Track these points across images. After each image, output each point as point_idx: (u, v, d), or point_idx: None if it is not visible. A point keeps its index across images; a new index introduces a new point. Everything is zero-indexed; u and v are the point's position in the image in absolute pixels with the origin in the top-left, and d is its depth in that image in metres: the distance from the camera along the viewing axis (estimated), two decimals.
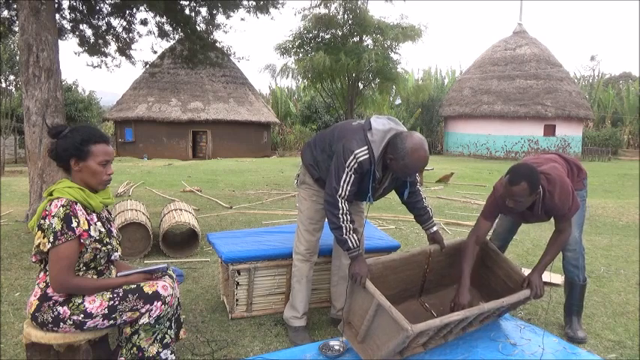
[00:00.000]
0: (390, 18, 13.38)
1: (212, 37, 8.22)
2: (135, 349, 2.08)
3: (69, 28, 7.48)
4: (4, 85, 18.35)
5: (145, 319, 2.06)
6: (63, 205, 1.95)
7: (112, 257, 2.17)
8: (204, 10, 7.72)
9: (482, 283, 3.04)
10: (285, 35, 13.41)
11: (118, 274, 2.19)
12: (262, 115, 23.86)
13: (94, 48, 7.75)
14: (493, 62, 25.14)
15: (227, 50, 8.64)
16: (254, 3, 7.42)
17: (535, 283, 2.65)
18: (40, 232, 1.96)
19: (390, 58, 12.85)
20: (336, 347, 2.59)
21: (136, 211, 4.78)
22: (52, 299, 2.00)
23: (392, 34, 12.43)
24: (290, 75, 13.66)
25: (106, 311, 2.01)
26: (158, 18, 7.67)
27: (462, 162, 20.27)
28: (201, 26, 7.96)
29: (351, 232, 2.50)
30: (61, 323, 1.99)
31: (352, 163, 2.44)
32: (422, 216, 2.84)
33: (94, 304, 2.01)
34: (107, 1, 7.49)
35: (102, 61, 8.08)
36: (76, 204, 2.00)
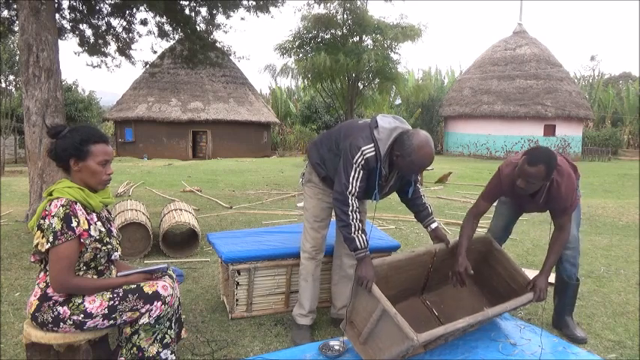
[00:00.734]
0: (390, 18, 13.37)
1: (212, 37, 8.22)
2: (135, 349, 2.08)
3: (69, 28, 7.48)
4: (4, 85, 18.35)
5: (145, 319, 2.06)
6: (63, 205, 1.95)
7: (112, 257, 2.17)
8: (204, 10, 7.73)
9: (485, 281, 3.04)
10: (285, 35, 13.40)
11: (118, 274, 2.19)
12: (262, 115, 23.86)
13: (94, 48, 7.75)
14: (493, 62, 25.15)
15: (227, 50, 8.65)
16: (254, 2, 7.42)
17: (540, 286, 2.65)
18: (39, 232, 1.96)
19: (390, 58, 12.84)
20: (336, 347, 2.59)
21: (136, 211, 4.78)
22: (52, 299, 2.00)
23: (391, 34, 12.42)
24: (290, 75, 13.66)
25: (106, 311, 2.01)
26: (158, 18, 7.67)
27: (462, 162, 20.27)
28: (201, 26, 7.96)
29: (360, 231, 2.49)
30: (61, 323, 1.99)
31: (359, 160, 2.46)
32: (421, 212, 2.83)
33: (94, 304, 2.01)
34: (107, 1, 7.49)
35: (102, 61, 8.08)
36: (76, 204, 2.00)
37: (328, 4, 12.42)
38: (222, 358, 2.66)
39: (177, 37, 8.14)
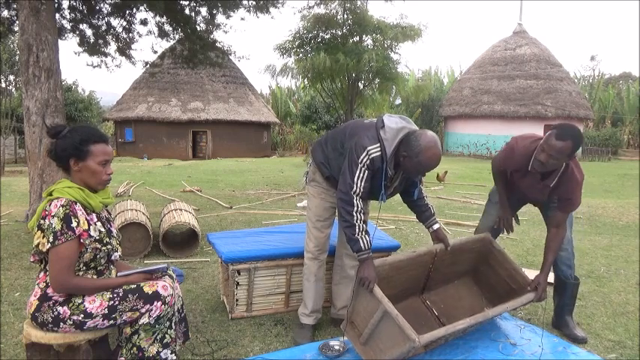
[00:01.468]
0: (390, 18, 13.35)
1: (212, 36, 8.22)
2: (135, 349, 2.08)
3: (69, 27, 7.48)
4: (4, 85, 18.35)
5: (145, 319, 2.06)
6: (63, 205, 1.95)
7: (112, 257, 2.17)
8: (204, 10, 7.73)
9: (484, 281, 3.04)
10: (285, 35, 13.39)
11: (118, 274, 2.19)
12: (262, 115, 23.86)
13: (94, 48, 7.75)
14: (493, 62, 25.16)
15: (227, 50, 8.64)
16: (254, 2, 7.42)
17: (543, 286, 2.66)
18: (39, 232, 1.96)
19: (390, 58, 12.83)
20: (336, 347, 2.58)
21: (136, 211, 4.78)
22: (52, 299, 2.00)
23: (391, 34, 12.41)
24: (290, 75, 13.64)
25: (106, 311, 2.01)
26: (158, 18, 7.67)
27: (462, 162, 20.27)
28: (201, 26, 7.96)
29: (364, 232, 2.46)
30: (61, 323, 1.99)
31: (365, 159, 2.43)
32: (424, 213, 2.81)
33: (94, 304, 2.01)
34: (107, 1, 7.49)
35: (102, 61, 8.08)
36: (76, 204, 2.00)
37: (328, 4, 12.41)
38: (222, 358, 2.66)
39: (177, 37, 8.13)
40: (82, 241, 1.99)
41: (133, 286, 2.08)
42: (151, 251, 4.59)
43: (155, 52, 8.71)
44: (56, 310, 1.99)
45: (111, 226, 2.21)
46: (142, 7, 7.27)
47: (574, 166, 2.64)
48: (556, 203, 2.78)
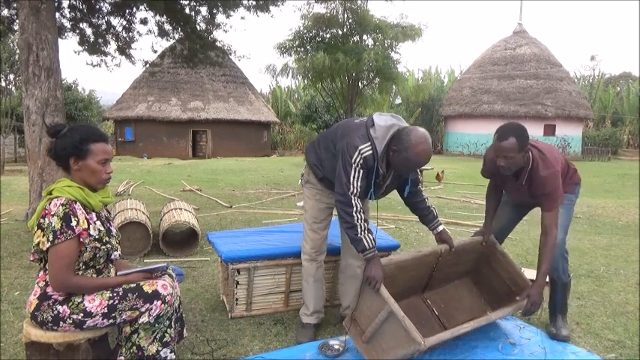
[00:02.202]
0: (390, 17, 13.33)
1: (212, 36, 8.21)
2: (134, 348, 2.08)
3: (69, 26, 7.48)
4: (4, 84, 18.35)
5: (144, 318, 2.06)
6: (62, 204, 1.95)
7: (112, 256, 2.17)
8: (204, 10, 7.73)
9: (485, 282, 3.03)
10: (285, 34, 13.39)
11: (118, 273, 2.19)
12: (262, 114, 23.86)
13: (94, 47, 7.75)
14: (493, 62, 25.15)
15: (227, 49, 8.64)
16: (254, 2, 7.42)
17: (533, 299, 2.61)
18: (39, 230, 1.96)
19: (390, 58, 12.83)
20: (336, 347, 2.58)
21: (136, 210, 4.78)
22: (51, 298, 2.00)
23: (392, 34, 12.41)
24: (290, 74, 13.64)
25: (106, 310, 2.01)
26: (158, 17, 7.67)
27: (462, 162, 20.27)
28: (201, 25, 7.96)
29: (367, 231, 2.45)
30: (61, 322, 1.99)
31: (358, 159, 2.43)
32: (426, 216, 2.81)
33: (94, 303, 2.01)
34: (107, 0, 7.49)
35: (102, 60, 8.08)
36: (76, 203, 2.00)
37: (329, 4, 12.41)
38: (222, 358, 2.66)
39: (177, 36, 8.14)
40: (81, 240, 1.99)
41: (132, 285, 2.08)
42: (151, 250, 4.59)
43: (155, 51, 8.73)
44: (56, 309, 1.99)
45: (110, 225, 2.21)
46: (141, 7, 7.27)
47: (540, 160, 2.64)
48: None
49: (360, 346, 2.45)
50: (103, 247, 2.08)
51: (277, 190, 9.58)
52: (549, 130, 23.23)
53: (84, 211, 2.03)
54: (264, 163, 17.18)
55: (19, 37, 5.32)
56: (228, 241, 3.31)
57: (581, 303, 3.59)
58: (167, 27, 7.93)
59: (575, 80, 29.28)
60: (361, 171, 2.45)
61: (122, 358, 2.09)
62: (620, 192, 11.00)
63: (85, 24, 7.59)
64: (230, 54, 8.85)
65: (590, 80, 35.80)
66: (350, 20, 12.72)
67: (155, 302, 2.06)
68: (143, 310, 2.05)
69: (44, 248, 1.93)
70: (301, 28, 12.84)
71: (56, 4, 6.44)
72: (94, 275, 2.10)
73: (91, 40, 7.68)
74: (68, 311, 1.99)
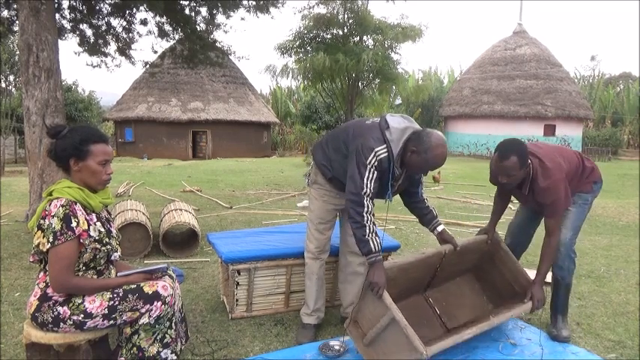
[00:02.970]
0: (391, 18, 13.35)
1: (212, 36, 8.22)
2: (135, 349, 2.08)
3: (69, 27, 7.48)
4: (4, 85, 18.34)
5: (145, 319, 2.06)
6: (62, 205, 1.95)
7: (112, 257, 2.17)
8: (204, 10, 7.73)
9: (487, 280, 3.02)
10: (286, 35, 13.40)
11: (118, 274, 2.19)
12: (262, 115, 23.86)
13: (94, 48, 7.75)
14: (493, 62, 25.15)
15: (227, 50, 8.64)
16: (254, 2, 7.42)
17: (538, 297, 2.70)
18: (39, 231, 1.96)
19: (390, 58, 12.83)
20: (336, 347, 2.58)
21: (136, 211, 4.78)
22: (52, 299, 2.00)
23: (392, 34, 12.41)
24: (290, 75, 13.64)
25: (106, 311, 2.01)
26: (158, 18, 7.67)
27: (462, 162, 20.27)
28: (201, 26, 7.96)
29: (375, 234, 2.45)
30: (61, 323, 1.99)
31: (373, 161, 2.45)
32: (425, 216, 2.80)
33: (94, 304, 2.01)
34: (107, 1, 7.49)
35: (102, 61, 8.08)
36: (76, 204, 2.00)
37: (329, 4, 12.41)
38: (222, 358, 2.66)
39: (177, 37, 8.14)
40: (81, 241, 1.99)
41: (133, 286, 2.08)
42: (151, 251, 4.59)
43: (155, 52, 8.73)
44: (56, 310, 1.99)
45: (110, 226, 2.21)
46: (141, 7, 7.27)
47: (539, 170, 2.66)
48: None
49: (361, 348, 2.45)
50: (104, 247, 2.08)
51: (277, 191, 9.58)
52: (549, 131, 23.23)
53: (84, 212, 2.03)
54: (265, 163, 17.18)
55: (19, 38, 5.32)
56: (228, 241, 3.31)
57: (581, 303, 3.59)
58: (167, 28, 7.93)
59: (575, 80, 29.27)
60: (375, 172, 2.47)
61: (122, 359, 2.09)
62: (620, 192, 11.00)
63: (85, 25, 7.60)
64: (230, 55, 8.85)
65: (590, 80, 35.78)
66: (350, 21, 12.72)
67: (155, 303, 2.06)
68: (143, 311, 2.05)
69: (44, 249, 1.93)
70: (301, 29, 12.84)
71: (56, 5, 6.44)
72: (95, 276, 2.10)
73: (91, 41, 7.68)
74: (68, 312, 1.99)
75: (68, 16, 7.40)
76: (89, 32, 7.67)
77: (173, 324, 2.20)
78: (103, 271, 2.14)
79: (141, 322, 2.06)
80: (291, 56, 13.20)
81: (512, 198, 3.21)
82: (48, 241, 1.92)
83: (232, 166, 15.40)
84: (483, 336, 2.74)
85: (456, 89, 26.08)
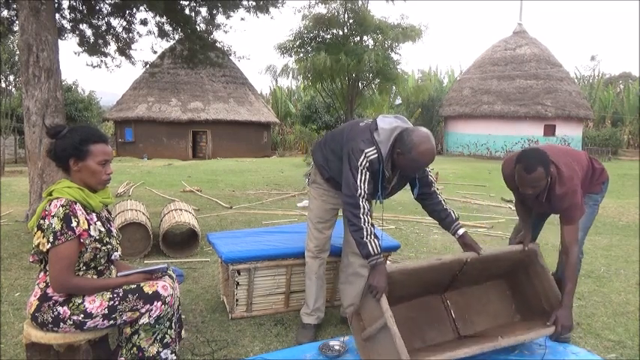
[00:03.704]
0: (391, 18, 13.34)
1: (212, 37, 8.22)
2: (135, 349, 2.08)
3: (69, 27, 7.48)
4: (4, 85, 18.34)
5: (145, 319, 2.06)
6: (62, 205, 1.95)
7: (112, 257, 2.17)
8: (204, 10, 7.72)
9: (519, 290, 2.88)
10: (286, 35, 13.39)
11: (118, 274, 2.19)
12: (262, 115, 23.86)
13: (93, 48, 7.75)
14: (493, 62, 25.13)
15: (227, 50, 8.64)
16: (254, 3, 7.42)
17: (563, 322, 2.49)
18: (39, 232, 1.96)
19: (391, 59, 12.84)
20: (336, 347, 2.58)
21: (136, 211, 4.78)
22: (52, 299, 2.00)
23: (392, 35, 12.41)
24: (290, 75, 13.65)
25: (106, 311, 2.01)
26: (158, 18, 7.67)
27: (462, 162, 20.27)
28: (201, 26, 7.96)
29: (373, 236, 2.44)
30: (61, 323, 1.99)
31: (364, 162, 2.46)
32: (444, 219, 2.75)
33: (94, 304, 2.01)
34: (107, 1, 7.49)
35: (102, 61, 8.08)
36: (76, 204, 2.00)
37: (329, 4, 12.42)
38: (222, 358, 2.66)
39: (177, 37, 8.14)
40: (82, 240, 1.99)
41: (133, 286, 2.08)
42: (151, 251, 4.59)
43: (155, 52, 8.73)
44: (56, 310, 1.99)
45: (111, 225, 2.21)
46: (141, 7, 7.27)
47: (556, 177, 2.61)
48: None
49: (359, 342, 2.45)
50: (104, 247, 2.08)
51: (277, 191, 9.58)
52: (549, 131, 23.22)
53: (84, 211, 2.03)
54: (265, 163, 17.18)
55: (19, 38, 5.32)
56: (228, 241, 3.31)
57: (581, 303, 3.59)
58: (167, 28, 7.93)
59: (575, 80, 29.26)
60: (367, 173, 2.47)
61: (122, 359, 2.09)
62: (620, 192, 10.99)
63: (85, 25, 7.59)
64: (230, 55, 8.86)
65: (590, 80, 35.77)
66: (350, 21, 12.72)
67: (155, 303, 2.06)
68: (143, 311, 2.05)
69: (44, 249, 1.93)
70: (302, 29, 12.84)
71: (56, 5, 6.44)
72: (95, 276, 2.10)
73: (91, 41, 7.68)
74: (68, 312, 1.99)
75: (68, 16, 7.40)
76: (89, 32, 7.68)
77: (173, 324, 2.20)
78: (104, 271, 2.14)
79: (141, 322, 2.06)
80: (291, 56, 13.21)
81: (513, 198, 3.18)
82: (48, 241, 1.92)
83: (232, 166, 15.40)
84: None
85: (456, 89, 26.07)
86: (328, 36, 13.00)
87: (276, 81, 38.52)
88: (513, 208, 7.85)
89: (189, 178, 11.95)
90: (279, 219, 6.51)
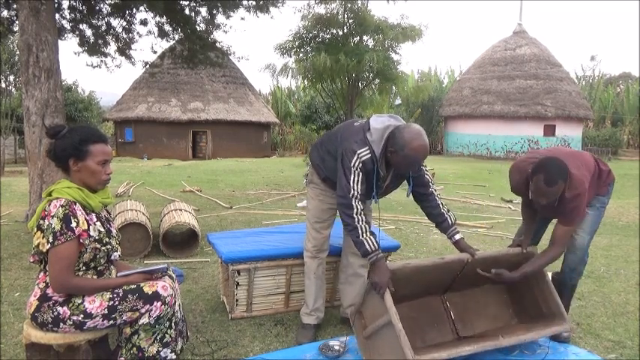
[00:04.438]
0: (391, 18, 13.31)
1: (212, 37, 8.22)
2: (135, 349, 2.08)
3: (69, 28, 7.48)
4: (4, 85, 18.34)
5: (144, 319, 2.06)
6: (62, 206, 1.95)
7: (112, 257, 2.17)
8: (204, 10, 7.72)
9: (518, 295, 2.89)
10: (286, 35, 13.38)
11: (118, 275, 2.19)
12: (262, 115, 23.85)
13: (93, 48, 7.75)
14: (493, 62, 25.13)
15: (227, 50, 8.65)
16: (254, 2, 7.42)
17: (505, 278, 2.59)
18: (39, 232, 1.96)
19: (391, 59, 12.83)
20: (336, 347, 2.58)
21: (136, 211, 4.78)
22: (51, 299, 2.00)
23: (392, 35, 12.40)
24: (290, 75, 13.63)
25: (106, 311, 2.01)
26: (158, 18, 7.67)
27: (462, 162, 20.28)
28: (201, 26, 7.96)
29: (369, 233, 2.44)
30: (61, 323, 1.99)
31: (357, 163, 2.47)
32: (441, 224, 2.73)
33: (94, 304, 2.01)
34: (107, 1, 7.49)
35: (102, 61, 8.08)
36: (75, 204, 2.00)
37: (329, 4, 12.41)
38: (222, 358, 2.66)
39: (177, 37, 8.14)
40: (81, 241, 1.99)
41: (132, 287, 2.08)
42: (151, 251, 4.59)
43: (155, 52, 8.73)
44: (56, 310, 1.99)
45: (110, 226, 2.21)
46: (141, 7, 7.27)
47: (566, 187, 2.59)
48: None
49: (361, 341, 2.44)
50: (103, 247, 2.08)
51: (277, 191, 9.58)
52: (549, 131, 23.22)
53: (84, 212, 2.03)
54: (264, 163, 17.18)
55: (19, 38, 5.32)
56: (228, 241, 3.31)
57: (581, 303, 3.59)
58: (167, 28, 7.93)
59: (575, 80, 29.25)
60: (360, 174, 2.48)
61: (122, 359, 2.09)
62: (620, 192, 10.98)
63: (84, 25, 7.59)
64: (230, 55, 8.86)
65: (590, 80, 35.76)
66: (350, 21, 12.71)
67: (155, 303, 2.06)
68: (143, 311, 2.05)
69: (44, 249, 1.93)
70: (301, 29, 12.83)
71: (56, 5, 6.44)
72: (95, 276, 2.10)
73: (91, 41, 7.68)
74: (68, 312, 1.99)
75: (68, 16, 7.40)
76: (89, 32, 7.68)
77: (173, 324, 2.20)
78: (103, 271, 2.14)
79: (141, 322, 2.06)
80: (291, 56, 13.20)
81: (513, 198, 3.18)
82: (48, 242, 1.92)
83: (232, 166, 15.40)
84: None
85: (456, 89, 26.07)
86: (328, 36, 12.99)
87: (277, 80, 38.55)
88: (513, 209, 7.86)
89: (189, 178, 11.95)
90: (279, 219, 6.51)
